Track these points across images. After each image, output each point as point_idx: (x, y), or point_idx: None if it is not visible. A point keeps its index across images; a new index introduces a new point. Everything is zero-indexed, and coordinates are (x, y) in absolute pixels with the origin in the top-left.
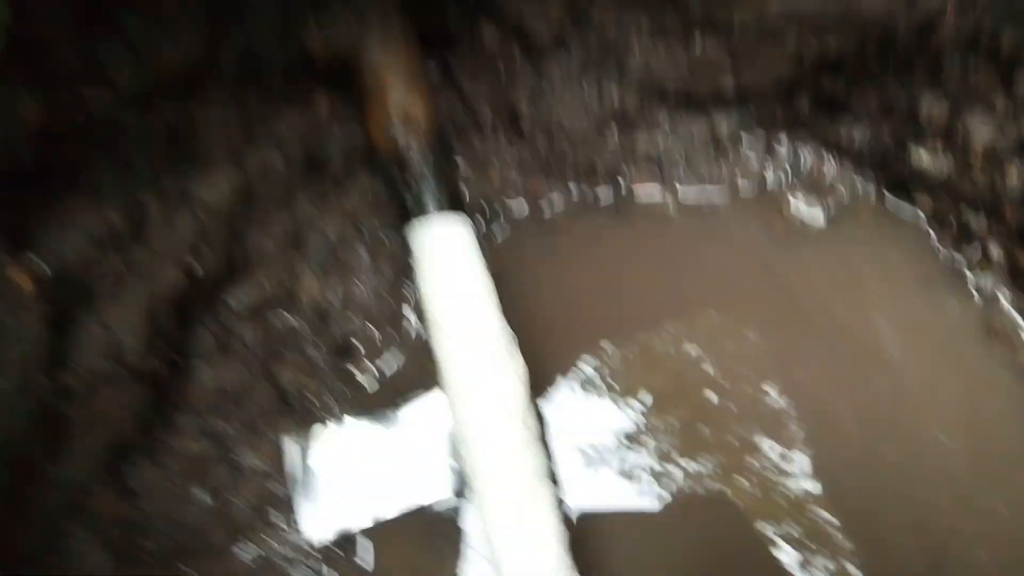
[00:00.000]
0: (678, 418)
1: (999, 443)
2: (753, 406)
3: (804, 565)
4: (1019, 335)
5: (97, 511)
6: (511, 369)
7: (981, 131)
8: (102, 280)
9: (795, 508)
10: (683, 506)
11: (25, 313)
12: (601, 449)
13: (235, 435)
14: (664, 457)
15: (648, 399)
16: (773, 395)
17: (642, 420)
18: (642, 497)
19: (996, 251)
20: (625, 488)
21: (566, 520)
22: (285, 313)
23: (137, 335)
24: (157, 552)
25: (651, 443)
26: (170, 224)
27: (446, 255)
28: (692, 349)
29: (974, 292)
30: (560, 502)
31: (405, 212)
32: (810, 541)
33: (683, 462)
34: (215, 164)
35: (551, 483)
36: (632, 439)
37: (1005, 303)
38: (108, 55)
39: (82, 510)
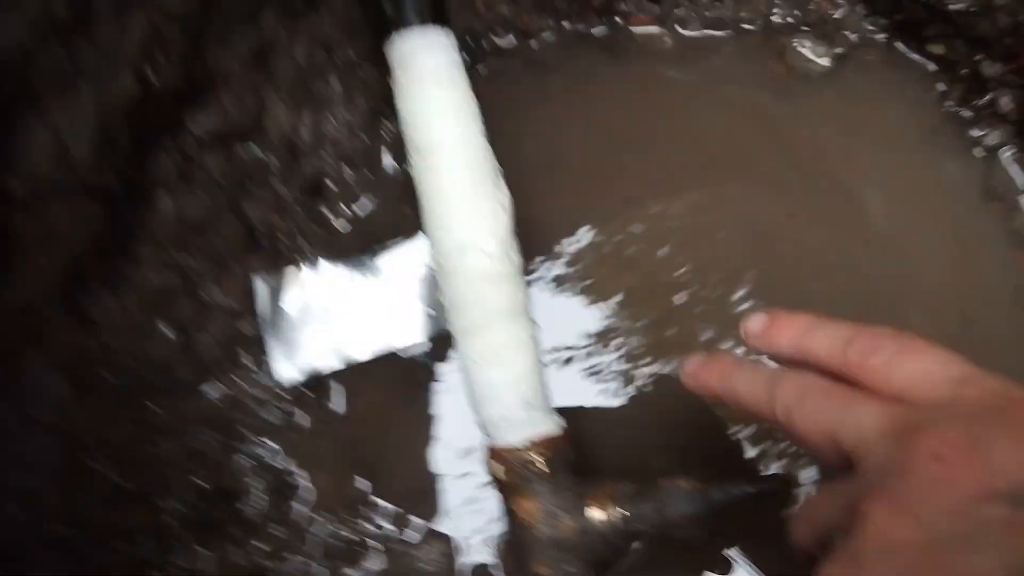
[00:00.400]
0: (640, 317)
1: (986, 314)
2: (719, 304)
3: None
4: (1018, 198)
5: (56, 341)
6: (496, 197)
7: None
8: (47, 76)
9: None
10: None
11: None
12: (575, 304)
13: (201, 270)
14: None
15: (610, 300)
16: (762, 244)
17: (602, 321)
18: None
19: (1007, 103)
20: (594, 348)
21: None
22: (251, 144)
23: (88, 144)
24: (121, 387)
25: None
26: (121, 24)
27: (428, 70)
28: (680, 202)
29: (977, 150)
30: (539, 342)
31: (384, 28)
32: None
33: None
34: None
35: (532, 321)
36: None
37: (1008, 163)
38: None
39: (40, 339)
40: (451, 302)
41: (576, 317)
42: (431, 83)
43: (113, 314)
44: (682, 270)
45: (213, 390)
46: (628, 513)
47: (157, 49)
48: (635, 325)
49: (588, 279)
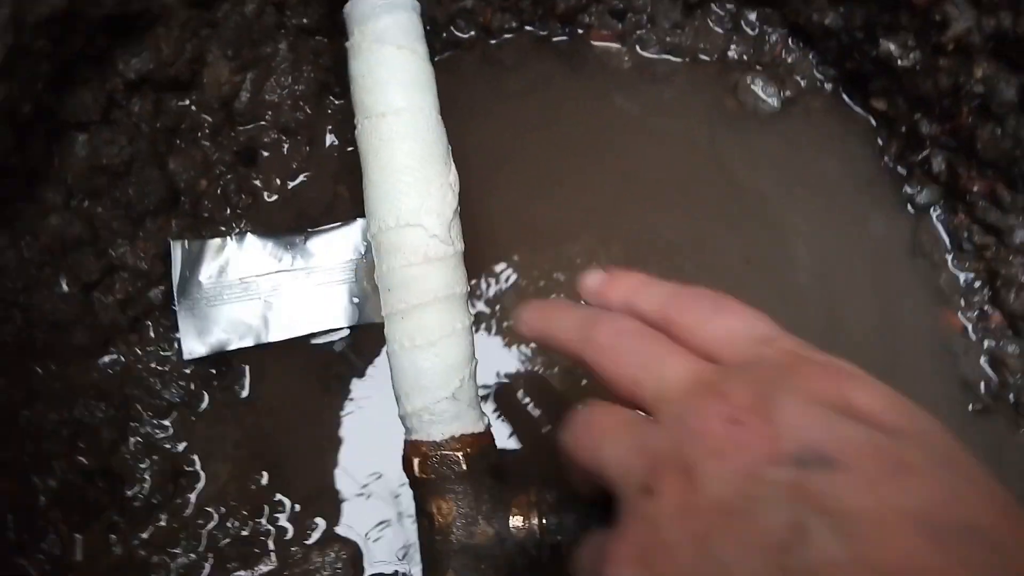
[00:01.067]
0: None
1: (908, 364)
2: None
3: None
4: (943, 256)
5: None
6: (445, 176)
7: (959, 21)
8: None
9: None
10: None
11: None
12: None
13: (111, 222)
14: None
15: (569, 255)
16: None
17: (559, 279)
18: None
19: (939, 164)
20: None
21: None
22: (185, 96)
23: (2, 54)
24: (5, 342)
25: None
26: None
27: (389, 32)
28: (624, 213)
29: (908, 206)
30: (473, 336)
31: None
32: None
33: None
34: None
35: (469, 313)
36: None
37: (936, 222)
38: None
39: None
40: (385, 281)
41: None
42: (391, 46)
43: (7, 258)
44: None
45: (110, 359)
46: (550, 523)
47: None
48: None
49: (517, 295)
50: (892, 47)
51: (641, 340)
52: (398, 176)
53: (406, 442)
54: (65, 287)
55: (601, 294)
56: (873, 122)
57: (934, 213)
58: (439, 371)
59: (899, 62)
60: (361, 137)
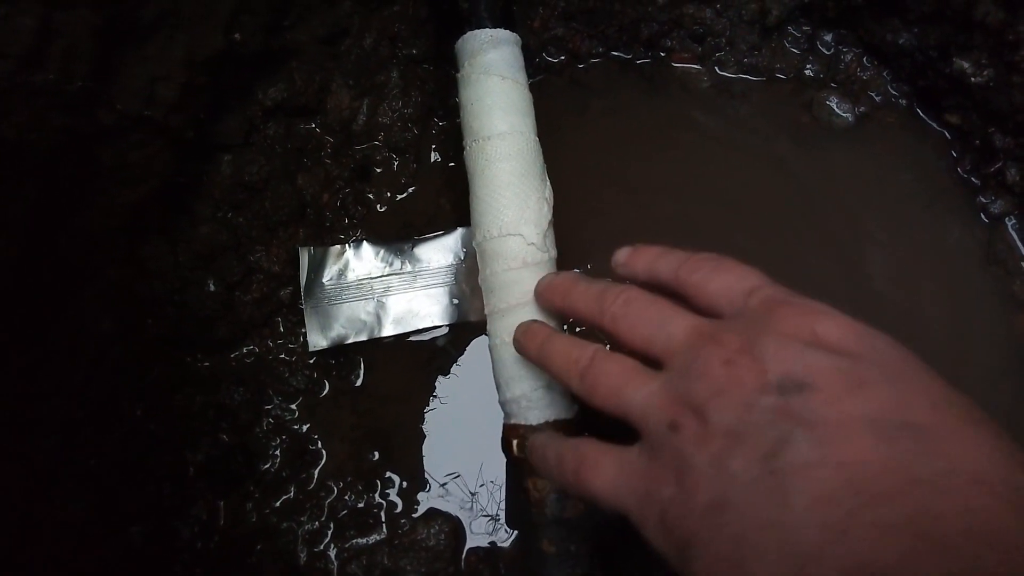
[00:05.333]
0: None
1: (982, 372)
2: None
3: None
4: (1018, 264)
5: (109, 280)
6: (541, 190)
7: None
8: (148, 17)
9: None
10: None
11: (76, 12)
12: None
13: (250, 231)
14: None
15: None
16: None
17: None
18: None
19: (1013, 175)
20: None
21: None
22: (311, 121)
23: (173, 87)
24: (162, 335)
25: None
26: None
27: (495, 65)
28: (703, 221)
29: (982, 215)
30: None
31: (453, 26)
32: None
33: None
34: None
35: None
36: None
37: (1010, 230)
38: None
39: (95, 276)
40: (488, 284)
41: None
42: (496, 76)
43: (165, 263)
44: None
45: (247, 350)
46: None
47: (246, 12)
48: None
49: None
50: (966, 65)
51: (649, 306)
52: (501, 191)
53: (505, 425)
54: (212, 287)
55: (628, 265)
56: (947, 135)
57: (1009, 222)
58: (537, 374)
59: (972, 79)
60: (469, 157)
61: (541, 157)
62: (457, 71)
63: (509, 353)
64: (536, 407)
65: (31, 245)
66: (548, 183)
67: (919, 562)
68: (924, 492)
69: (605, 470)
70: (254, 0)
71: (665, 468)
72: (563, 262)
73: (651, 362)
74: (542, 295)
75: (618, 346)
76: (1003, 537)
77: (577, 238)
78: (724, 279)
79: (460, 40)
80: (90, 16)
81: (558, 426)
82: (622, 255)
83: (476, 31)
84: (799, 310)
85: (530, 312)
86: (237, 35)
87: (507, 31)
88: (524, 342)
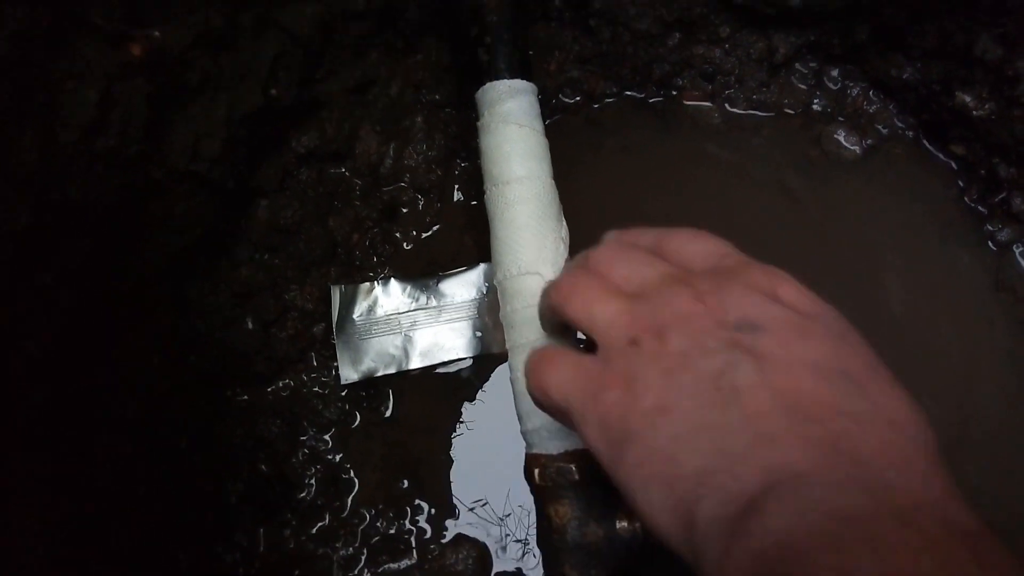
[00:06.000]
0: None
1: (991, 406)
2: None
3: None
4: None
5: (156, 320)
6: (558, 231)
7: None
8: (194, 80)
9: None
10: None
11: (131, 82)
12: None
13: (285, 272)
14: None
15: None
16: None
17: None
18: None
19: (1018, 204)
20: None
21: None
22: (341, 165)
23: (216, 143)
24: (203, 370)
25: None
26: (256, 43)
27: (513, 114)
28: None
29: (990, 244)
30: None
31: (473, 77)
32: None
33: None
34: None
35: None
36: None
37: (1019, 258)
38: None
39: (144, 316)
40: (509, 320)
41: None
42: (514, 124)
43: (208, 303)
44: None
45: (282, 384)
46: None
47: (283, 69)
48: None
49: None
50: (968, 99)
51: (630, 251)
52: (520, 233)
53: (527, 455)
54: (250, 325)
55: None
56: (953, 166)
57: (1017, 250)
58: None
59: (974, 113)
60: (489, 201)
61: (557, 199)
62: (478, 119)
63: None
64: (556, 437)
65: (86, 292)
66: (564, 223)
67: (835, 470)
68: (847, 421)
69: (561, 369)
70: (289, 58)
71: (616, 375)
72: None
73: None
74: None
75: None
76: (910, 465)
77: None
78: (701, 244)
79: (480, 90)
80: (144, 84)
81: (577, 456)
82: (609, 234)
83: (495, 82)
84: (764, 272)
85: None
86: (273, 91)
87: (524, 81)
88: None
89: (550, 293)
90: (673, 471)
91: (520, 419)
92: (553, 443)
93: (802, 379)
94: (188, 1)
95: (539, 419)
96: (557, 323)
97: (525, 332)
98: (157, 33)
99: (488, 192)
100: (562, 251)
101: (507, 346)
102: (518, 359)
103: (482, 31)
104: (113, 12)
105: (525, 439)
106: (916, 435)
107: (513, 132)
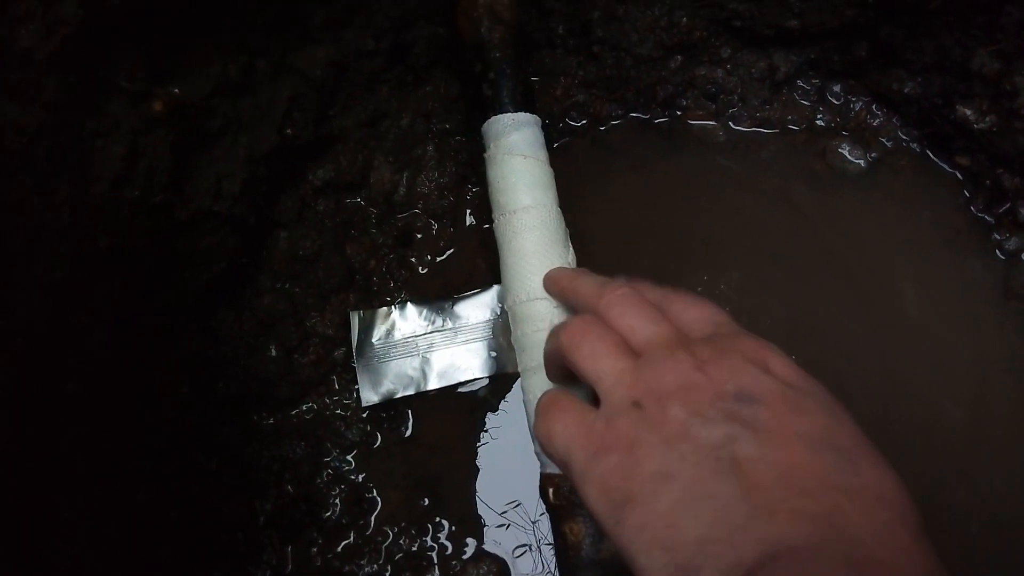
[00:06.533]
0: None
1: (1002, 410)
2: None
3: None
4: None
5: (185, 349)
6: (564, 257)
7: None
8: (215, 125)
9: None
10: None
11: (154, 134)
12: None
13: (306, 299)
14: None
15: None
16: (799, 338)
17: None
18: None
19: None
20: None
21: None
22: (357, 195)
23: (237, 182)
24: (231, 396)
25: None
26: (273, 86)
27: (518, 146)
28: (725, 281)
29: (998, 252)
30: None
31: (480, 106)
32: None
33: None
34: (316, 38)
35: None
36: None
37: None
38: None
39: (174, 346)
40: (520, 344)
41: None
42: (519, 156)
43: (233, 331)
44: (739, 313)
45: (306, 407)
46: None
47: (297, 110)
48: None
49: None
50: (968, 112)
51: (640, 303)
52: (528, 260)
53: (542, 474)
54: (273, 352)
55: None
56: (959, 176)
57: None
58: None
59: (976, 125)
60: (497, 230)
61: (563, 225)
62: (484, 151)
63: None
64: None
65: (119, 329)
66: (571, 249)
67: (827, 546)
68: (840, 496)
69: (566, 419)
70: (304, 99)
71: (619, 437)
72: None
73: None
74: (549, 280)
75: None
76: (896, 540)
77: None
78: (700, 311)
79: (485, 124)
80: (167, 135)
81: None
82: (620, 278)
83: (500, 116)
84: (757, 344)
85: None
86: (289, 130)
87: (527, 114)
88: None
89: (560, 336)
90: (675, 537)
91: (534, 439)
92: None
93: (797, 453)
94: (206, 55)
95: None
96: (563, 367)
97: (536, 355)
98: (177, 91)
99: (496, 221)
100: None
101: (519, 369)
102: (530, 381)
103: (486, 67)
104: (136, 74)
105: (539, 459)
106: (903, 511)
107: (518, 163)
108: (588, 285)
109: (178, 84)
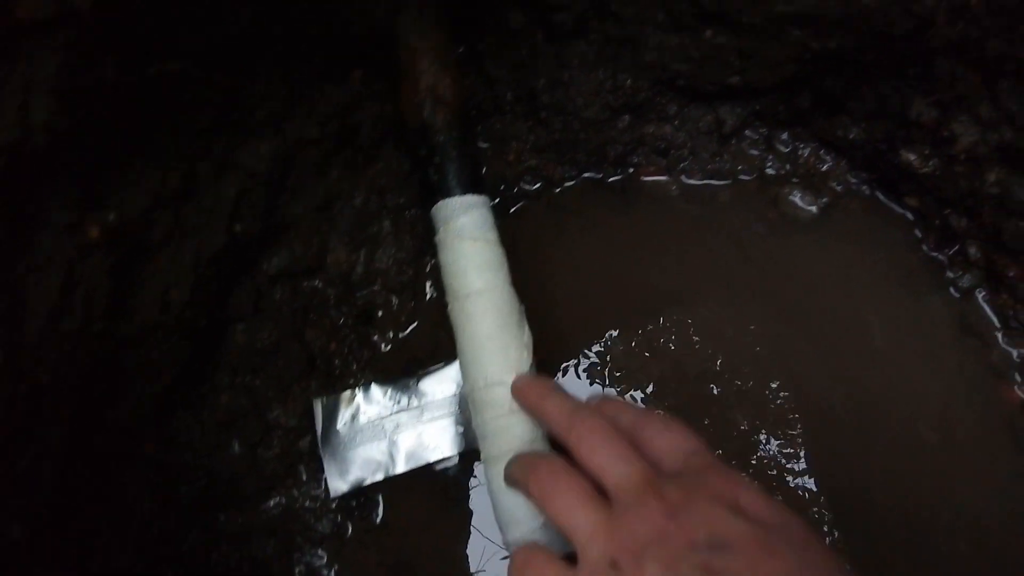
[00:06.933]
0: (677, 406)
1: (972, 439)
2: (752, 396)
3: None
4: (993, 335)
5: (145, 457)
6: (520, 338)
7: (965, 136)
8: (157, 236)
9: (789, 501)
10: None
11: (91, 261)
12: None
13: (266, 392)
14: None
15: (648, 386)
16: (771, 388)
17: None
18: None
19: (974, 251)
20: None
21: None
22: (314, 278)
23: (185, 290)
24: (195, 499)
25: None
26: (217, 187)
27: (467, 230)
28: (693, 336)
29: (952, 291)
30: None
31: (428, 189)
32: None
33: None
34: (259, 132)
35: (551, 450)
36: None
37: (981, 302)
38: (175, 16)
39: (132, 456)
40: (481, 431)
41: None
42: (468, 240)
43: (193, 433)
44: (711, 363)
45: (273, 502)
46: None
47: (245, 206)
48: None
49: (618, 371)
50: (912, 157)
51: (610, 439)
52: (483, 344)
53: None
54: (236, 448)
55: (599, 408)
56: (910, 216)
57: (979, 295)
58: (530, 505)
59: (920, 170)
60: (451, 315)
61: (517, 306)
62: (434, 234)
63: (506, 498)
64: None
65: (68, 457)
66: (527, 329)
67: None
68: None
69: None
70: (252, 193)
71: None
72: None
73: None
74: (518, 391)
75: (573, 462)
76: None
77: (565, 348)
78: (671, 437)
79: (434, 208)
80: (105, 259)
81: None
82: (592, 403)
83: (447, 200)
84: (727, 479)
85: (521, 464)
86: (239, 226)
87: (475, 196)
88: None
89: (529, 482)
90: None
91: (501, 529)
92: None
93: None
94: (142, 170)
95: (517, 531)
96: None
97: (498, 442)
98: (112, 216)
99: (450, 306)
100: (526, 358)
101: (482, 457)
102: (493, 470)
103: (431, 152)
104: (68, 204)
105: (507, 550)
106: None
107: (467, 247)
108: (557, 409)
109: (114, 206)
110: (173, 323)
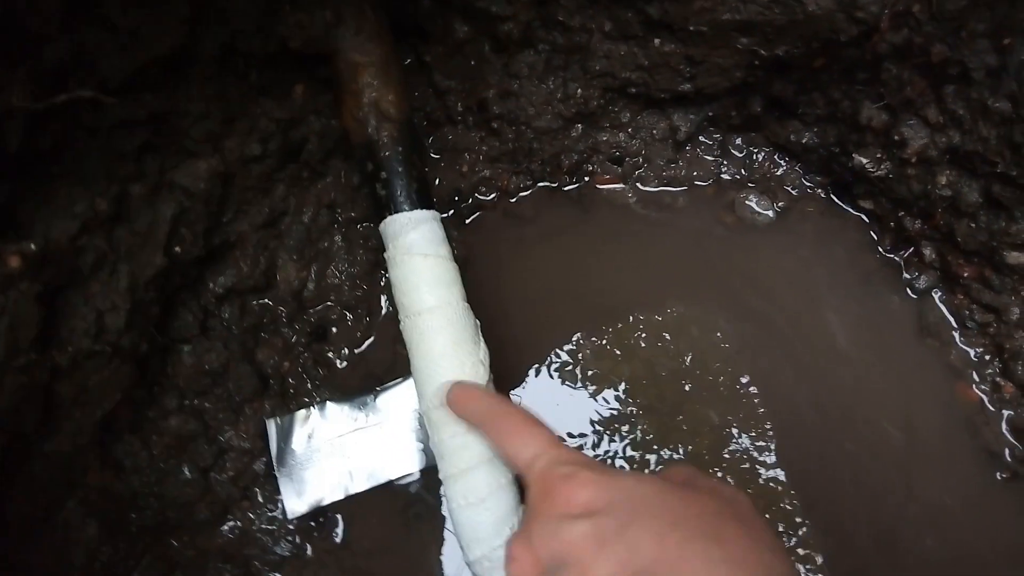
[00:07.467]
0: (651, 403)
1: (934, 438)
2: (722, 392)
3: None
4: (950, 334)
5: (90, 488)
6: (476, 354)
7: (915, 139)
8: (88, 261)
9: (760, 495)
10: None
11: (14, 290)
12: (569, 438)
13: (217, 414)
14: (636, 446)
15: (615, 390)
16: (740, 384)
17: (609, 410)
18: None
19: (929, 252)
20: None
21: None
22: (263, 296)
23: (121, 315)
24: (146, 526)
25: (622, 431)
26: (152, 208)
27: (417, 245)
28: (660, 338)
29: (909, 291)
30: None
31: (377, 204)
32: (774, 526)
33: (656, 449)
34: (196, 151)
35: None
36: (602, 428)
37: (938, 303)
38: (93, 42)
39: (75, 487)
40: (439, 450)
41: (583, 406)
42: (419, 256)
43: (140, 459)
44: (680, 361)
45: (229, 526)
46: None
47: (184, 226)
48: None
49: (590, 371)
50: (864, 160)
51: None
52: (437, 362)
53: None
54: (188, 473)
55: (456, 403)
56: (865, 219)
57: (936, 295)
58: (491, 523)
59: (873, 172)
60: (404, 332)
61: (472, 321)
62: (384, 251)
63: (467, 517)
64: (497, 567)
65: (3, 481)
66: (482, 344)
67: None
68: None
69: None
70: (190, 213)
71: None
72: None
73: None
74: (455, 402)
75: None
76: None
77: (534, 351)
78: (519, 439)
79: (382, 224)
80: (30, 287)
81: None
82: (452, 393)
83: (396, 215)
84: (562, 481)
85: (483, 474)
86: (178, 248)
87: (423, 210)
88: None
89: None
90: None
91: (462, 549)
92: (497, 573)
93: None
94: (68, 195)
95: (479, 549)
96: None
97: (456, 461)
98: (33, 245)
99: (403, 323)
100: (482, 374)
101: (440, 476)
102: (453, 489)
103: (377, 167)
104: None
105: (471, 569)
106: None
107: (418, 263)
108: (479, 410)
109: (39, 233)
110: (110, 349)
